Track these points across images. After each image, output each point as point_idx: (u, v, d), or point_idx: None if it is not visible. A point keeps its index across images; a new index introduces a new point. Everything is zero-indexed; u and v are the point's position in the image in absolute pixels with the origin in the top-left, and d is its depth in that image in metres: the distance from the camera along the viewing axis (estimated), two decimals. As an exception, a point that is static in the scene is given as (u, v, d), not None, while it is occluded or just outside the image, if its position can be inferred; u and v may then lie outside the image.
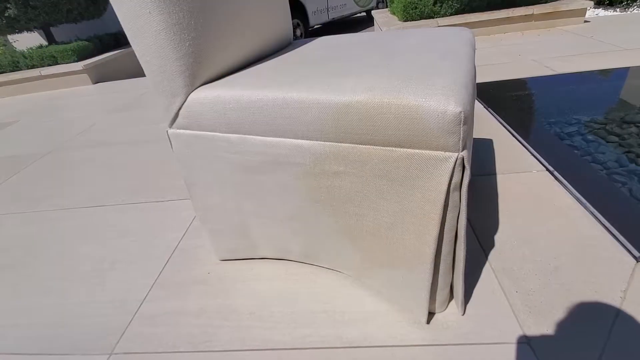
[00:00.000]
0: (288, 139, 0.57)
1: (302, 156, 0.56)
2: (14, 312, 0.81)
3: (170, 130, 0.68)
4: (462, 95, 0.44)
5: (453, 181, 0.48)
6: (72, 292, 0.85)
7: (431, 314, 0.66)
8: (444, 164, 0.47)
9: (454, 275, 0.62)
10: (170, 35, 0.56)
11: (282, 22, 0.82)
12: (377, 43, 0.70)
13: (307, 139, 0.55)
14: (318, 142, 0.54)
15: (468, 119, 0.44)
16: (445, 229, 0.54)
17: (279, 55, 0.77)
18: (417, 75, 0.48)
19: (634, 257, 0.71)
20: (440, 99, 0.43)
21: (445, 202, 0.50)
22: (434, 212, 0.51)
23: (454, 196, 0.50)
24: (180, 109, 0.64)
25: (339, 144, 0.53)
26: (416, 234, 0.55)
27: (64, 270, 0.92)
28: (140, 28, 0.56)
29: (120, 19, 0.58)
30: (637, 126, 1.29)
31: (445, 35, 0.69)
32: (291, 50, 0.80)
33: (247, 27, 0.69)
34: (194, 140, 0.66)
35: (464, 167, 0.48)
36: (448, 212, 0.51)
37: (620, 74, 1.73)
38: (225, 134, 0.63)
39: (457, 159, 0.46)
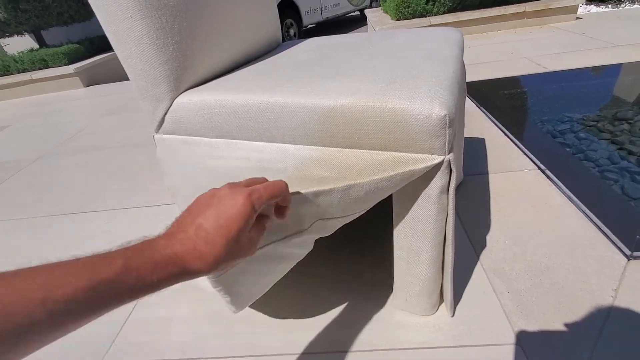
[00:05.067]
0: (275, 144, 0.56)
1: (286, 160, 0.56)
2: None
3: (157, 136, 0.67)
4: (446, 98, 0.44)
5: (440, 184, 0.48)
6: (62, 300, 0.84)
7: (422, 317, 0.65)
8: (430, 167, 0.47)
9: (443, 278, 0.61)
10: (153, 39, 0.55)
11: (269, 24, 0.82)
12: (365, 44, 0.69)
13: (293, 143, 0.55)
14: (304, 146, 0.54)
15: (454, 122, 0.43)
16: (433, 232, 0.53)
17: (267, 57, 0.76)
18: (401, 78, 0.47)
19: (625, 255, 0.71)
20: (425, 102, 0.43)
21: (432, 205, 0.50)
22: (421, 216, 0.51)
23: (441, 199, 0.50)
24: (165, 114, 0.63)
25: (325, 147, 0.52)
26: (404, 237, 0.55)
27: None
28: (122, 33, 0.55)
29: (102, 24, 0.57)
30: (629, 123, 1.30)
31: (432, 36, 0.68)
32: (279, 52, 0.79)
33: (233, 30, 0.68)
34: (181, 145, 0.65)
35: (450, 170, 0.47)
36: (436, 215, 0.51)
37: (612, 70, 1.74)
38: (211, 139, 0.62)
39: (443, 162, 0.46)
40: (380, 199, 0.51)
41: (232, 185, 0.35)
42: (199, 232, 0.32)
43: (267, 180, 0.39)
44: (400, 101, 0.44)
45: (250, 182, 0.37)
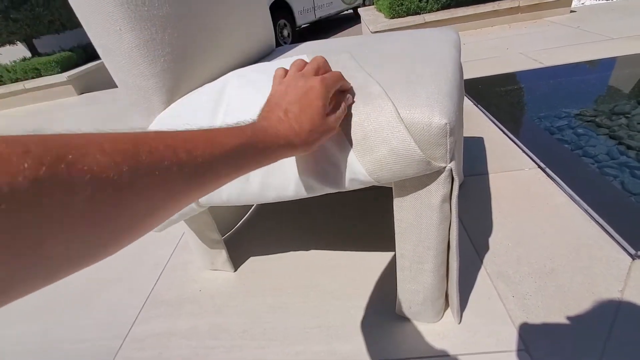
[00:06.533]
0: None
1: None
2: (0, 340, 0.79)
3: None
4: (447, 105, 0.43)
5: (442, 193, 0.47)
6: (60, 317, 0.82)
7: (427, 324, 0.64)
8: (432, 176, 0.46)
9: (448, 285, 0.60)
10: (143, 52, 0.54)
11: (262, 30, 0.80)
12: (361, 49, 0.68)
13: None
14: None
15: (454, 130, 0.42)
16: (436, 240, 0.52)
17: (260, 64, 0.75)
18: (400, 86, 0.46)
19: (630, 254, 0.71)
20: (425, 110, 0.42)
21: (434, 214, 0.49)
22: (423, 225, 0.50)
23: (443, 207, 0.48)
24: (159, 126, 0.61)
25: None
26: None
27: (50, 294, 0.90)
28: (111, 46, 0.54)
29: (90, 38, 0.55)
30: (627, 117, 1.29)
31: (429, 38, 0.67)
32: (272, 59, 0.78)
33: (226, 38, 0.67)
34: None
35: (452, 178, 0.46)
36: (438, 223, 0.50)
37: (608, 64, 1.73)
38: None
39: (444, 170, 0.45)
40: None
41: (302, 74, 0.41)
42: (289, 114, 0.37)
43: (326, 63, 0.44)
44: (399, 110, 0.43)
45: (315, 64, 0.42)
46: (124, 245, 0.21)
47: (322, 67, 0.43)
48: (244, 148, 0.30)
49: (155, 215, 0.22)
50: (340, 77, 0.43)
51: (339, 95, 0.44)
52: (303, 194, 0.51)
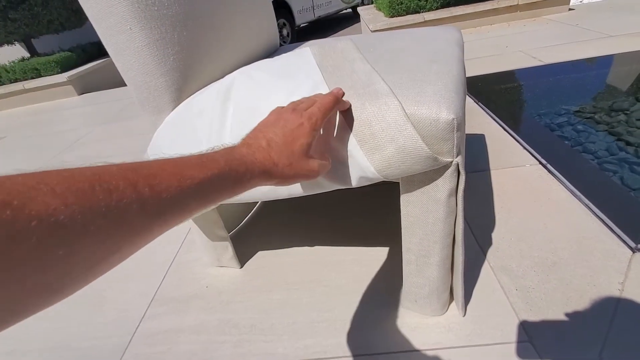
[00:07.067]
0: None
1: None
2: (11, 339, 0.80)
3: (159, 146, 0.66)
4: (453, 101, 0.44)
5: (449, 187, 0.48)
6: (69, 315, 0.83)
7: (432, 318, 0.66)
8: (439, 170, 0.47)
9: (453, 278, 0.62)
10: (153, 50, 0.55)
11: (267, 29, 0.81)
12: (366, 48, 0.69)
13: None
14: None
15: (461, 125, 0.43)
16: (442, 234, 0.53)
17: (266, 63, 0.75)
18: (406, 82, 0.47)
19: (630, 247, 0.72)
20: (432, 106, 0.43)
21: (441, 208, 0.50)
22: (430, 219, 0.51)
23: (450, 202, 0.50)
24: (168, 124, 0.62)
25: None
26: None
27: (59, 292, 0.90)
28: (122, 45, 0.55)
29: (100, 36, 0.56)
30: (625, 113, 1.30)
31: (432, 36, 0.68)
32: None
33: (233, 37, 0.68)
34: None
35: (459, 172, 0.47)
36: (445, 217, 0.51)
37: (606, 61, 1.75)
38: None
39: (451, 165, 0.46)
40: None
41: (295, 109, 0.41)
42: (271, 144, 0.37)
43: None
44: (406, 106, 0.44)
45: (311, 101, 0.42)
46: (84, 285, 0.20)
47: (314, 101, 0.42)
48: (216, 179, 0.29)
49: (117, 254, 0.21)
50: (329, 103, 0.42)
51: (328, 141, 0.45)
52: (312, 190, 0.52)
